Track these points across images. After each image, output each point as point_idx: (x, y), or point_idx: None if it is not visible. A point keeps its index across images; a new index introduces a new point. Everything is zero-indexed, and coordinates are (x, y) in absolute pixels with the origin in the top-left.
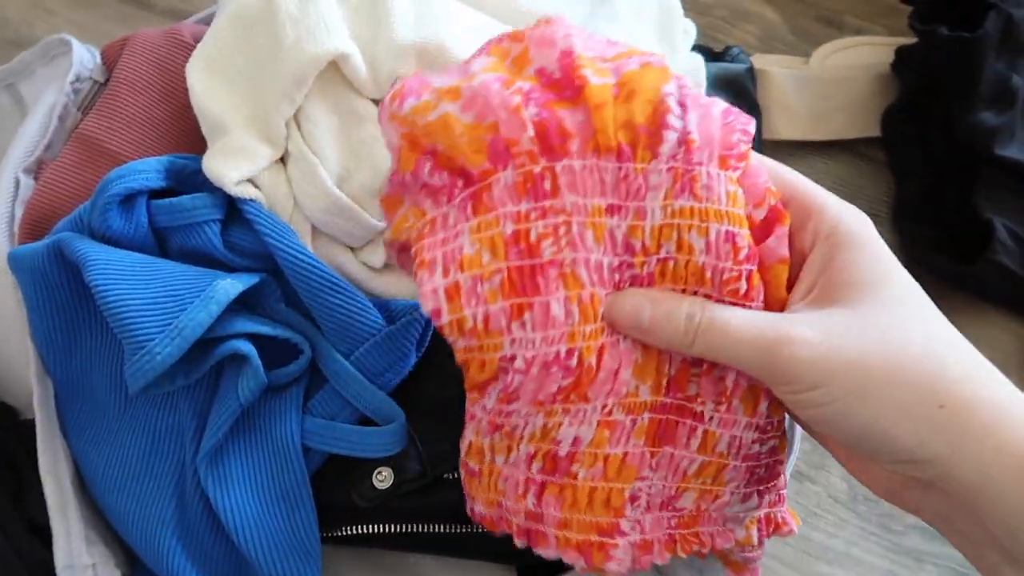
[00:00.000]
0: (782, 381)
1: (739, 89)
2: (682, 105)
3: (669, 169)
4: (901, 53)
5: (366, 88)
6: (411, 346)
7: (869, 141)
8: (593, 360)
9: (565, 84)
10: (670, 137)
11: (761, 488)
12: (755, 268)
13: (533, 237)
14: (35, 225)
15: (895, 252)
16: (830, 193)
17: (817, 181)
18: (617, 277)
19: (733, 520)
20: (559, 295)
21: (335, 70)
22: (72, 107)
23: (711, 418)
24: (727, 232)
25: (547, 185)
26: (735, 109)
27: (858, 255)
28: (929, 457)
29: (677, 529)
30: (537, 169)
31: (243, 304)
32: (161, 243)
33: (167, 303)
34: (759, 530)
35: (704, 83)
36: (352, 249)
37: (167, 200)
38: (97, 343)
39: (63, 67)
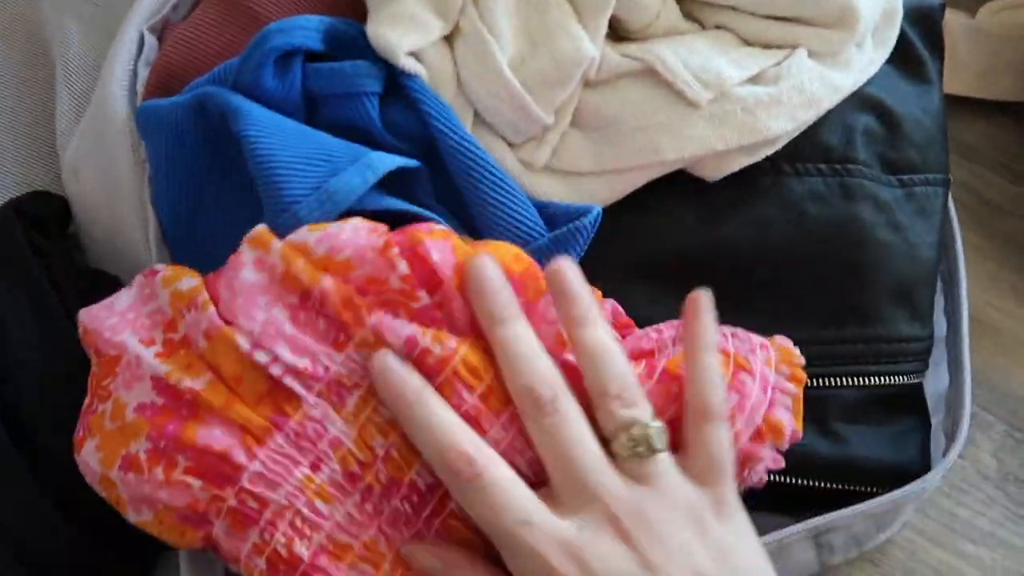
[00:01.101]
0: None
1: (930, 25)
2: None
3: (320, 392)
4: None
5: None
6: (576, 254)
7: None
8: None
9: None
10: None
11: None
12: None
13: (284, 552)
14: (164, 83)
15: None
16: None
17: (977, 142)
18: (372, 507)
19: None
20: None
21: None
22: None
23: None
24: None
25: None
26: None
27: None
28: None
29: None
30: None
31: (393, 193)
32: (311, 112)
33: (321, 165)
34: None
35: (900, 13)
36: (511, 145)
37: (326, 64)
38: (229, 210)
39: None
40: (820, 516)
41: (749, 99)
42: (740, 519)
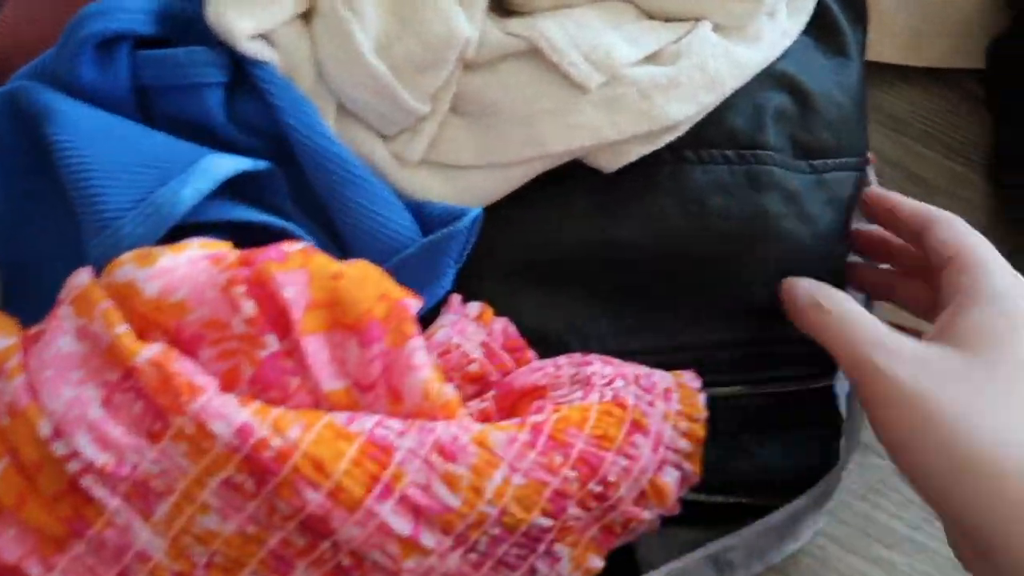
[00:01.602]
0: (866, 391)
1: None
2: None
3: (125, 495)
4: None
5: None
6: (452, 260)
7: (971, 74)
8: None
9: None
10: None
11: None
12: None
13: None
14: None
15: (991, 202)
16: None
17: (906, 114)
18: None
19: None
20: None
21: None
22: None
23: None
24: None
25: None
26: None
27: (988, 309)
28: (972, 526)
29: None
30: None
31: (241, 198)
32: (145, 107)
33: (146, 173)
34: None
35: None
36: (383, 137)
37: (158, 51)
38: (55, 222)
39: None
40: (716, 541)
41: (645, 81)
42: None
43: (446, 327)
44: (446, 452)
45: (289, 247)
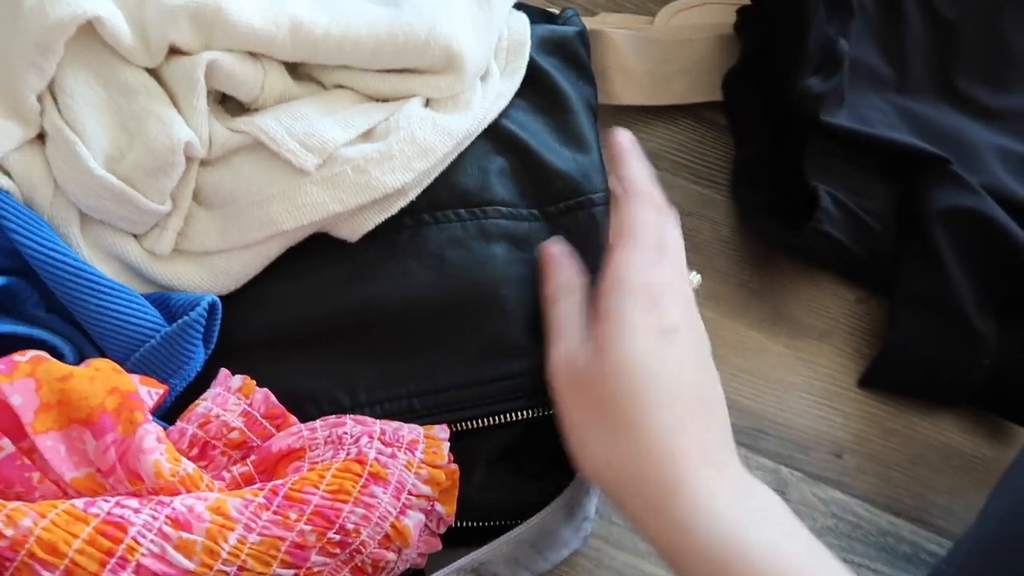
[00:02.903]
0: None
1: (569, 53)
2: None
3: None
4: (742, 13)
5: (135, 55)
6: (194, 346)
7: (712, 105)
8: None
9: None
10: None
11: None
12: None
13: None
14: None
15: (733, 219)
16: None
17: (659, 148)
18: None
19: None
20: None
21: (96, 36)
22: None
23: None
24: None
25: None
26: None
27: (605, 325)
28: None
29: None
30: None
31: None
32: None
33: None
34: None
35: (528, 42)
36: (135, 236)
37: None
38: None
39: None
40: (465, 557)
41: (358, 158)
42: None
43: (208, 400)
44: (179, 522)
45: (20, 357)
